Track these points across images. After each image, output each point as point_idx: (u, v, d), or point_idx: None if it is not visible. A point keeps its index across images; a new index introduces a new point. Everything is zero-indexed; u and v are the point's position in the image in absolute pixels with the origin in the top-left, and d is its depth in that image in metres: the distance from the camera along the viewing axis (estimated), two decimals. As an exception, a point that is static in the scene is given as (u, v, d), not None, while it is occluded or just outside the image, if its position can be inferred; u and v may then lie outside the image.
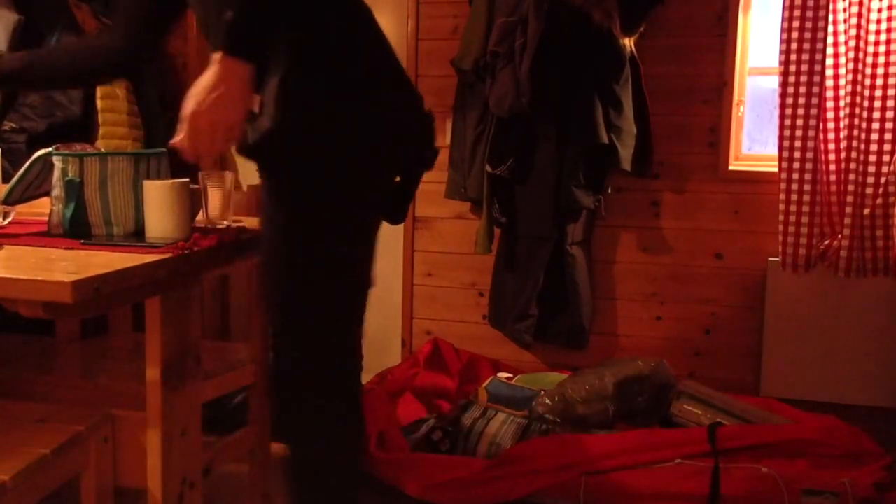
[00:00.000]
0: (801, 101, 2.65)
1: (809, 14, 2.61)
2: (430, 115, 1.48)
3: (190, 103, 1.21)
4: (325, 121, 1.32)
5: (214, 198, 1.57)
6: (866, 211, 2.63)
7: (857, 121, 2.62)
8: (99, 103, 2.65)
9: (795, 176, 2.67)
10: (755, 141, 3.02)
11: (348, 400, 1.44)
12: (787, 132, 2.67)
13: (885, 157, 2.61)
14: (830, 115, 2.70)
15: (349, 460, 1.46)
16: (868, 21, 2.57)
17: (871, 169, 2.62)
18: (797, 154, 2.67)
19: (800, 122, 2.65)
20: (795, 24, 2.62)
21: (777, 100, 2.69)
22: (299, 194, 1.35)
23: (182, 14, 1.64)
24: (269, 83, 1.30)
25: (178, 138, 1.23)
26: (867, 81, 2.60)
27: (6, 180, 1.66)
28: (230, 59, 1.19)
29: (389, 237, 2.50)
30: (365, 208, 1.41)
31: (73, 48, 1.73)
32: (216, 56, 1.20)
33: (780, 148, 2.69)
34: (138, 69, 1.81)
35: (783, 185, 2.69)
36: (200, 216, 1.59)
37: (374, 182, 1.41)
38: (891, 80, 2.57)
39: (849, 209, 2.63)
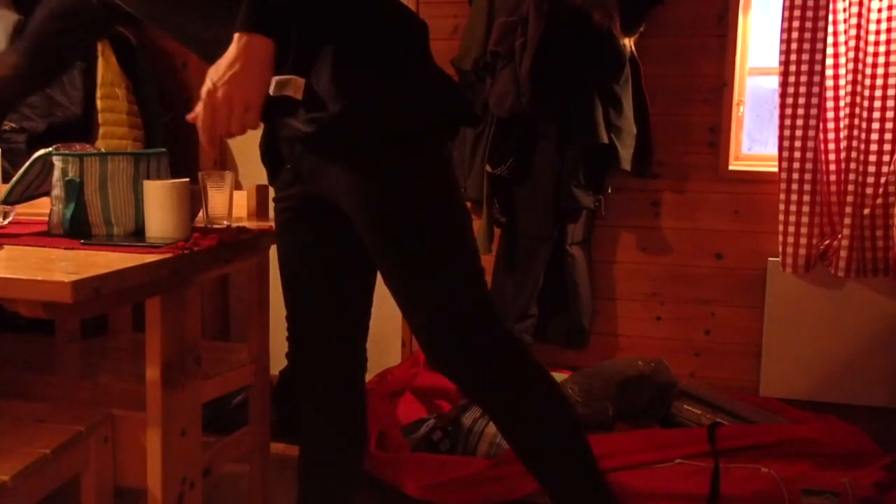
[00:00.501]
0: (801, 101, 2.65)
1: (809, 14, 2.61)
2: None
3: (207, 81, 1.19)
4: (392, 89, 1.29)
5: (214, 198, 1.57)
6: (866, 211, 2.63)
7: (857, 121, 2.62)
8: (99, 103, 2.66)
9: (795, 176, 2.67)
10: (755, 141, 3.02)
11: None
12: (787, 132, 2.67)
13: (885, 157, 2.61)
14: (830, 115, 2.70)
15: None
16: (868, 21, 2.57)
17: (871, 169, 2.62)
18: (797, 154, 2.67)
19: (800, 122, 2.65)
20: (795, 24, 2.62)
21: (777, 100, 2.69)
22: (398, 167, 1.30)
23: (85, 51, 1.64)
24: (319, 69, 1.26)
25: (194, 114, 1.21)
26: (867, 81, 2.60)
27: (6, 180, 1.66)
28: (247, 35, 1.17)
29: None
30: (449, 159, 1.39)
31: None
32: (236, 35, 1.18)
33: (780, 148, 2.69)
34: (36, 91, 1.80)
35: (783, 185, 2.69)
36: (200, 216, 1.59)
37: (445, 133, 1.39)
38: (891, 80, 2.57)
39: (849, 209, 2.63)
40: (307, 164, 1.37)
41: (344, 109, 1.25)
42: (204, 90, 1.20)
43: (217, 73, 1.19)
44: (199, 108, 1.21)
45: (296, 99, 1.26)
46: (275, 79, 1.26)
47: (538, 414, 1.42)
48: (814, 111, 2.65)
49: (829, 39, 2.63)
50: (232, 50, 1.18)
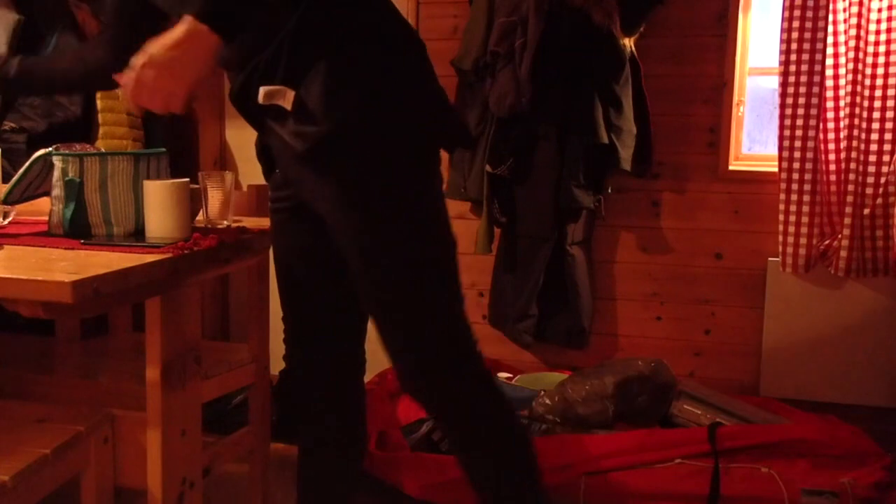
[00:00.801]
0: (801, 101, 2.65)
1: (809, 14, 2.60)
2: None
3: (144, 53, 1.17)
4: (385, 107, 1.26)
5: (214, 198, 1.57)
6: (866, 211, 2.63)
7: (857, 121, 2.62)
8: (99, 103, 2.65)
9: (795, 176, 2.67)
10: (755, 141, 3.02)
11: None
12: (787, 132, 2.67)
13: (885, 157, 2.61)
14: (830, 115, 2.70)
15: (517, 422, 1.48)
16: (868, 21, 2.57)
17: (871, 169, 2.62)
18: (797, 154, 2.66)
19: (800, 122, 2.65)
20: (795, 24, 2.62)
21: (777, 100, 2.69)
22: (388, 188, 1.28)
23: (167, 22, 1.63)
24: (310, 82, 1.24)
25: (123, 78, 1.20)
26: (867, 81, 2.60)
27: (6, 180, 1.66)
28: (198, 24, 1.15)
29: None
30: (435, 173, 1.37)
31: (67, 59, 1.71)
32: (187, 17, 1.16)
33: (780, 148, 2.69)
34: None
35: (783, 185, 2.69)
36: (200, 216, 1.60)
37: (433, 150, 1.37)
38: (891, 80, 2.57)
39: (849, 209, 2.63)
40: (293, 173, 1.36)
41: (332, 128, 1.23)
42: (138, 60, 1.18)
43: (155, 49, 1.16)
44: (129, 74, 1.19)
45: (285, 109, 1.25)
46: (264, 89, 1.25)
47: (497, 448, 1.42)
48: (814, 111, 2.64)
49: (830, 39, 2.63)
50: (178, 31, 1.16)
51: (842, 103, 2.66)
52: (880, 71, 2.58)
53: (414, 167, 1.32)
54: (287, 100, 1.23)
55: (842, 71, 2.65)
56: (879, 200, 2.63)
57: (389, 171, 1.28)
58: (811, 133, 2.65)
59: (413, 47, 1.34)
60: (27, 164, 1.51)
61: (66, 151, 1.48)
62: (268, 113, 1.28)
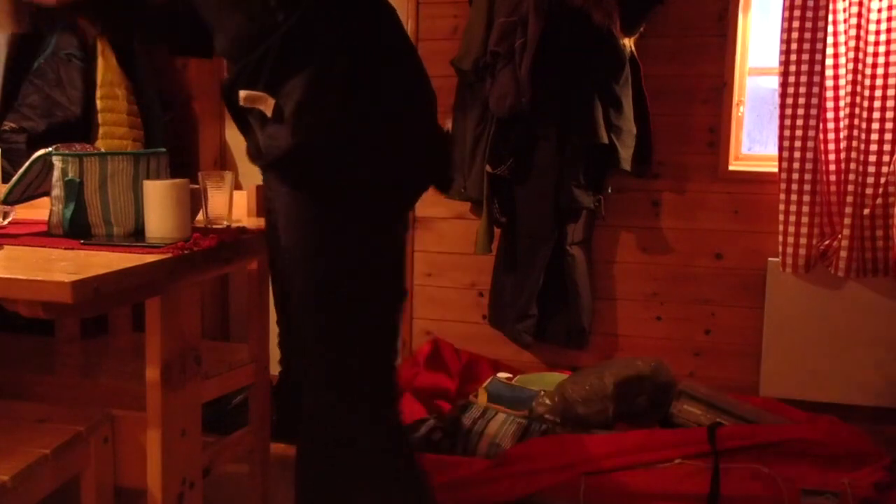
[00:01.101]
0: (801, 101, 2.65)
1: (809, 14, 2.61)
2: (446, 134, 1.43)
3: None
4: (355, 131, 1.22)
5: (214, 198, 1.57)
6: (866, 211, 2.63)
7: (857, 121, 2.62)
8: (99, 103, 2.65)
9: (795, 176, 2.67)
10: (755, 141, 3.02)
11: (394, 408, 1.38)
12: (787, 132, 2.67)
13: (885, 157, 2.61)
14: (830, 115, 2.70)
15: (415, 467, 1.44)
16: (868, 21, 2.57)
17: (871, 169, 2.62)
18: (797, 154, 2.66)
19: (800, 122, 2.65)
20: (795, 24, 2.62)
21: (777, 100, 2.69)
22: (334, 207, 1.24)
23: None
24: (289, 92, 1.21)
25: None
26: (867, 81, 2.60)
27: (6, 180, 1.66)
28: None
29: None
30: (399, 216, 1.33)
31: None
32: None
33: (780, 148, 2.69)
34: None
35: (783, 185, 2.69)
36: (200, 216, 1.60)
37: (404, 191, 1.33)
38: (891, 80, 2.57)
39: (849, 209, 2.63)
40: (267, 176, 1.37)
41: (299, 143, 1.20)
42: None
43: None
44: None
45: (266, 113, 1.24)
46: (244, 93, 1.25)
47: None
48: (814, 111, 2.64)
49: (829, 39, 2.63)
50: None
51: (842, 103, 2.66)
52: (880, 71, 2.58)
53: (375, 204, 1.27)
54: (268, 106, 1.22)
55: (842, 71, 2.65)
56: (879, 200, 2.63)
57: (346, 202, 1.24)
58: (811, 133, 2.65)
59: (410, 62, 1.31)
60: (27, 164, 1.51)
61: (66, 151, 1.48)
62: (251, 112, 1.28)
